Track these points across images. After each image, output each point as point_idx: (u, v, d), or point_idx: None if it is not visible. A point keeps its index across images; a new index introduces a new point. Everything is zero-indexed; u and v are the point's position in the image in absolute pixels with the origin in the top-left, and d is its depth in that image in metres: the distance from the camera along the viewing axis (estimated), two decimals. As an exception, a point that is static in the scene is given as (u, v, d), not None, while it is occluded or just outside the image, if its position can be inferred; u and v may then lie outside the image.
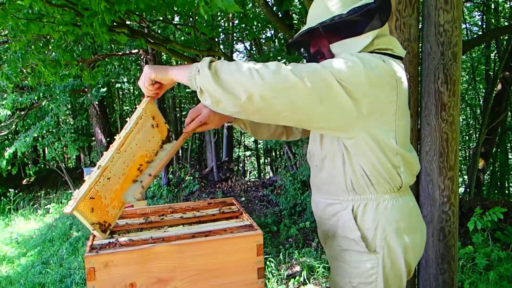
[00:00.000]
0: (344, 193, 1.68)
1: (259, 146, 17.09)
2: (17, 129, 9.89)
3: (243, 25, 8.06)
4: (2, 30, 5.30)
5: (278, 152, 14.14)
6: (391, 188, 1.65)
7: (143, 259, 1.44)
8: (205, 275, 1.51)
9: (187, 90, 13.51)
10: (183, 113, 14.86)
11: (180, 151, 12.12)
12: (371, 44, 1.59)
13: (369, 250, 1.63)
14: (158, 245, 1.47)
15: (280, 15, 6.92)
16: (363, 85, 1.45)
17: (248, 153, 18.05)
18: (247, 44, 12.01)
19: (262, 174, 16.19)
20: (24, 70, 5.38)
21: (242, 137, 18.24)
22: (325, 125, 1.52)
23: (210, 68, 1.40)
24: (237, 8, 2.17)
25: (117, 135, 1.68)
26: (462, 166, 12.69)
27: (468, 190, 8.07)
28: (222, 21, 8.76)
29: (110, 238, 1.57)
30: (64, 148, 10.98)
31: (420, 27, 2.74)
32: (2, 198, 10.45)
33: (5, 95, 9.22)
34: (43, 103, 9.64)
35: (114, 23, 4.44)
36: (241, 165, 14.61)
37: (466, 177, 11.59)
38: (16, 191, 10.26)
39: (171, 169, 10.52)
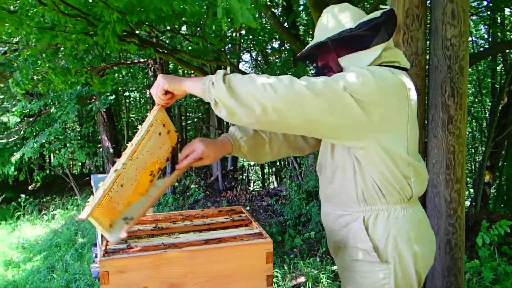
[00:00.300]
0: (355, 204, 1.70)
1: (264, 156, 17.06)
2: (25, 135, 9.98)
3: (250, 36, 8.13)
4: (12, 38, 5.37)
5: (283, 162, 14.16)
6: (401, 199, 1.67)
7: (156, 264, 1.47)
8: (216, 282, 1.53)
9: (193, 99, 13.61)
10: (188, 122, 14.96)
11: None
12: (379, 57, 1.63)
13: (381, 260, 1.65)
14: (170, 251, 1.50)
15: (287, 26, 7.00)
16: (374, 97, 1.49)
17: (252, 162, 18.06)
18: (254, 54, 12.11)
19: (266, 184, 16.19)
20: (35, 77, 5.46)
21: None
22: (337, 135, 1.57)
23: (225, 81, 1.44)
24: (254, 24, 2.24)
25: (129, 142, 1.71)
26: (468, 180, 12.63)
27: (474, 203, 8.05)
28: (230, 31, 8.84)
29: (123, 244, 1.60)
30: (71, 155, 11.06)
31: (427, 41, 2.78)
32: (8, 203, 10.52)
33: (14, 101, 9.34)
34: (52, 110, 9.74)
35: (124, 33, 4.52)
36: (245, 174, 14.63)
37: (472, 190, 11.54)
38: (27, 197, 10.32)
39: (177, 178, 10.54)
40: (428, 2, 2.88)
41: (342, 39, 1.64)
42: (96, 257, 5.17)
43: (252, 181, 16.86)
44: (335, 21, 1.71)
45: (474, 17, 9.81)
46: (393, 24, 1.64)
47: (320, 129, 1.53)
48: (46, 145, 10.03)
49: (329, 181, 1.80)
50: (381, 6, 1.70)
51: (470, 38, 10.19)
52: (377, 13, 1.63)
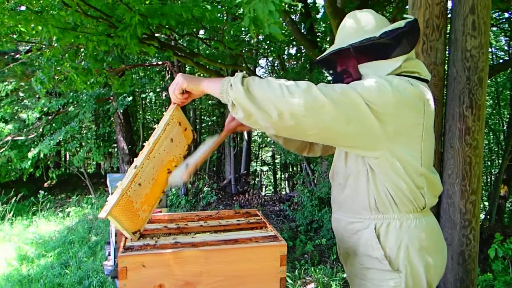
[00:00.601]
0: (367, 212, 1.71)
1: (276, 161, 17.13)
2: (44, 132, 10.17)
3: (268, 42, 8.18)
4: (35, 37, 5.50)
5: (296, 168, 14.15)
6: (414, 209, 1.67)
7: (172, 262, 1.51)
8: (230, 282, 1.56)
9: (209, 102, 13.70)
10: (203, 125, 15.06)
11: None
12: (399, 67, 1.64)
13: (392, 268, 1.65)
14: (187, 250, 1.53)
15: (304, 33, 7.03)
16: (390, 107, 1.50)
17: (265, 167, 18.08)
18: (270, 59, 12.16)
19: (278, 189, 16.19)
20: (56, 77, 5.58)
21: (260, 152, 18.31)
22: (351, 144, 1.57)
23: (243, 83, 1.46)
24: (281, 37, 2.28)
25: (145, 142, 1.75)
26: (483, 193, 12.46)
27: (488, 216, 7.95)
28: (247, 36, 8.91)
29: (141, 241, 1.64)
30: (87, 154, 11.22)
31: (446, 51, 2.78)
32: (24, 199, 10.70)
33: (34, 100, 9.53)
34: (70, 109, 9.90)
35: (144, 36, 4.60)
36: (257, 179, 14.65)
37: (487, 203, 11.38)
38: (45, 194, 10.48)
39: (190, 179, 10.62)
40: (449, 12, 2.88)
41: (364, 47, 1.64)
42: (109, 255, 5.23)
43: (264, 186, 16.87)
44: (358, 27, 1.71)
45: (494, 28, 9.73)
46: (416, 35, 1.65)
47: (335, 137, 1.54)
48: (62, 143, 10.20)
49: (342, 188, 1.81)
50: (405, 16, 1.70)
51: (489, 50, 10.09)
52: (401, 23, 1.63)
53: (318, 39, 8.99)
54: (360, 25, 1.71)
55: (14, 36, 5.29)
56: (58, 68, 5.23)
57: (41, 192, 9.98)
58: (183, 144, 1.84)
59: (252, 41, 9.48)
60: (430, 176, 1.67)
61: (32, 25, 4.27)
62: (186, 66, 10.21)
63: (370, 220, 1.70)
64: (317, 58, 1.87)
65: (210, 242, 1.62)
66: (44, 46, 5.38)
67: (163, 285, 1.51)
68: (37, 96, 9.79)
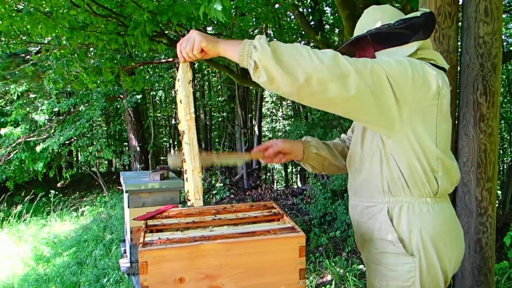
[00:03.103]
0: (380, 195, 1.73)
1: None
2: (55, 133, 10.27)
3: (278, 35, 8.17)
4: (44, 38, 5.55)
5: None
6: (427, 193, 1.67)
7: (192, 256, 1.52)
8: (250, 273, 1.57)
9: (219, 99, 13.71)
10: (213, 121, 15.09)
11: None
12: (414, 53, 1.67)
13: (407, 252, 1.66)
14: (206, 243, 1.54)
15: (313, 26, 7.00)
16: (408, 84, 1.53)
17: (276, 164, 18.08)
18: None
19: (289, 183, 16.20)
20: (67, 77, 5.62)
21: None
22: (371, 118, 1.58)
23: (269, 45, 1.41)
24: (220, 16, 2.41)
25: (179, 100, 1.76)
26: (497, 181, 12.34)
27: (502, 205, 7.87)
28: (256, 32, 8.90)
29: (160, 235, 1.65)
30: (97, 153, 11.32)
31: (459, 38, 2.76)
32: (39, 200, 10.83)
33: (45, 101, 9.62)
34: (80, 108, 9.99)
35: (154, 33, 4.61)
36: (269, 173, 14.67)
37: (499, 192, 11.30)
38: (57, 193, 10.60)
39: (202, 175, 10.67)
40: (460, -1, 2.86)
41: (380, 34, 1.69)
42: (124, 252, 5.29)
43: (276, 181, 16.89)
44: (374, 18, 1.77)
45: (504, 15, 9.60)
46: (431, 25, 1.68)
47: (358, 109, 1.53)
48: (73, 141, 10.30)
49: (358, 172, 1.83)
50: (421, 9, 1.76)
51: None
52: (417, 13, 1.67)
53: (327, 32, 8.96)
54: (376, 16, 1.77)
55: (23, 37, 5.35)
56: (69, 69, 5.28)
57: (52, 192, 10.08)
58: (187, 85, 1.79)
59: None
60: (447, 162, 1.68)
61: (40, 27, 4.31)
62: (196, 62, 10.24)
63: (384, 204, 1.72)
64: (338, 49, 1.86)
65: (229, 235, 1.64)
66: (53, 46, 5.43)
67: (184, 278, 1.52)
68: (48, 96, 9.88)
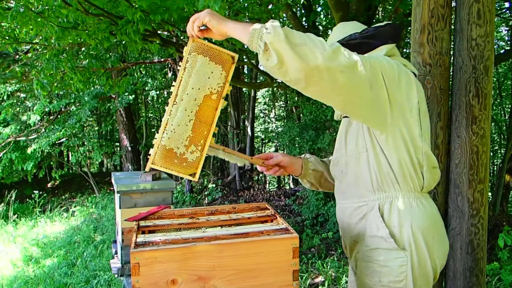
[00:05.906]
0: (370, 193, 1.75)
1: (279, 156, 17.06)
2: (45, 133, 10.18)
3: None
4: (33, 38, 5.47)
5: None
6: (415, 187, 1.71)
7: (185, 257, 1.50)
8: (243, 275, 1.56)
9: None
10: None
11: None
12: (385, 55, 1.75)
13: (398, 246, 1.67)
14: (199, 244, 1.52)
15: (306, 27, 7.01)
16: (396, 80, 1.61)
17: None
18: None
19: (282, 184, 16.20)
20: (56, 78, 5.56)
21: (263, 147, 18.32)
22: (368, 113, 1.61)
23: (283, 29, 1.40)
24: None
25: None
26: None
27: (492, 207, 7.93)
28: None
29: (152, 237, 1.64)
30: (89, 153, 11.23)
31: (451, 41, 2.77)
32: (27, 200, 10.72)
33: (36, 101, 9.53)
34: (72, 108, 9.91)
35: (147, 33, 4.58)
36: (262, 174, 14.65)
37: (490, 194, 11.38)
38: (42, 193, 10.49)
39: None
40: (453, 1, 2.87)
41: (349, 44, 1.74)
42: (116, 253, 5.25)
43: (268, 182, 16.88)
44: (344, 31, 1.87)
45: (495, 18, 9.68)
46: (396, 34, 1.78)
47: (357, 102, 1.55)
48: (64, 141, 10.20)
49: (344, 175, 1.85)
50: (385, 22, 1.91)
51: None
52: (382, 23, 1.80)
53: (321, 33, 8.98)
54: (346, 29, 1.88)
55: (7, 38, 5.26)
56: (58, 69, 5.21)
57: (35, 192, 9.97)
58: (218, 72, 1.70)
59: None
60: (432, 157, 1.73)
61: (31, 27, 4.25)
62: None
63: (374, 201, 1.74)
64: None
65: (222, 236, 1.62)
66: (43, 46, 5.36)
67: (176, 280, 1.50)
68: (38, 97, 9.79)
